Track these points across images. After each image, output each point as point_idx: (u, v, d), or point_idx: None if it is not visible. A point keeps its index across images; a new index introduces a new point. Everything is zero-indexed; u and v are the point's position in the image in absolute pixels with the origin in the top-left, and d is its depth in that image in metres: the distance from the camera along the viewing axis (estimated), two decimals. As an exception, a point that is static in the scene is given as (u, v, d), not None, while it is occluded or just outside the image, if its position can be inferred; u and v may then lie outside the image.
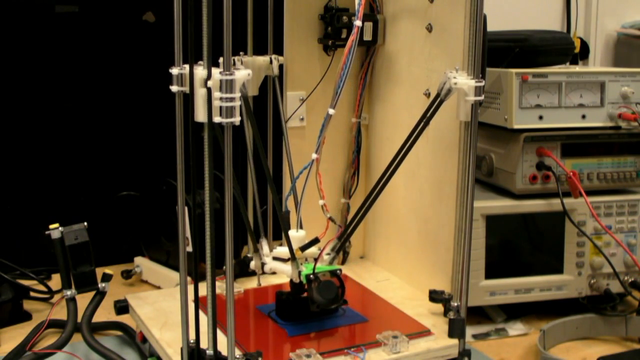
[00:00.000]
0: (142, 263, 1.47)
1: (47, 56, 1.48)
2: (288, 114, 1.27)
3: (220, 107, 0.83)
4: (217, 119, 0.84)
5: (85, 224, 1.14)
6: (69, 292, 1.11)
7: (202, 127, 0.86)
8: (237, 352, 0.91)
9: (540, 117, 1.26)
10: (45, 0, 1.46)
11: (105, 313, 1.25)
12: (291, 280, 1.07)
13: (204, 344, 0.91)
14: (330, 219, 1.08)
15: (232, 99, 0.83)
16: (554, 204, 1.26)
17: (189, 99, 0.87)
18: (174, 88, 0.89)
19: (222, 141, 0.85)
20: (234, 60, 1.11)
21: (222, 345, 0.90)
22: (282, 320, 1.09)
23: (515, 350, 1.20)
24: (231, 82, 0.83)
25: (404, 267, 1.28)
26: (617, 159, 1.31)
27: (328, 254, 1.08)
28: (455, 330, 1.05)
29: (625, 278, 1.29)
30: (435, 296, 1.12)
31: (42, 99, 1.49)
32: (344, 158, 1.35)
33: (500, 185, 1.32)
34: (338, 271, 1.06)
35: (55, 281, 1.41)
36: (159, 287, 1.42)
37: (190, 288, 0.92)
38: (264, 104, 1.23)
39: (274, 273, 1.12)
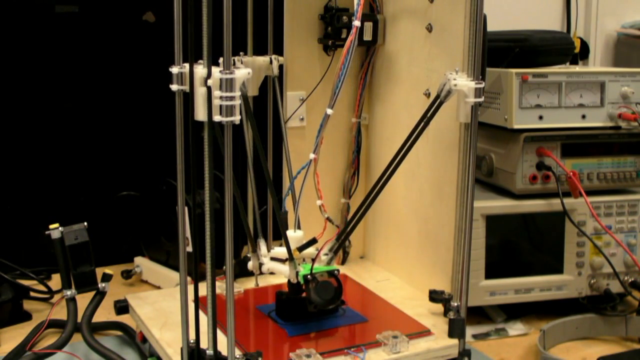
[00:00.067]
0: (142, 263, 1.47)
1: (47, 56, 1.48)
2: (288, 114, 1.27)
3: (220, 106, 0.83)
4: (217, 117, 0.84)
5: (85, 224, 1.14)
6: (69, 292, 1.11)
7: (202, 126, 0.86)
8: (237, 352, 0.91)
9: (540, 117, 1.26)
10: (45, 0, 1.46)
11: (105, 313, 1.25)
12: (289, 281, 1.07)
13: (204, 344, 0.91)
14: (328, 219, 1.08)
15: (232, 98, 0.83)
16: (554, 204, 1.26)
17: (189, 97, 0.87)
18: (174, 87, 0.89)
19: (221, 141, 0.85)
20: (234, 60, 1.11)
21: (222, 345, 0.90)
22: (282, 320, 1.09)
23: (515, 350, 1.20)
24: (231, 81, 0.83)
25: (404, 267, 1.28)
26: (617, 159, 1.31)
27: (326, 254, 1.08)
28: (455, 330, 1.05)
29: (625, 278, 1.29)
30: (435, 296, 1.12)
31: (42, 99, 1.49)
32: (344, 158, 1.35)
33: (500, 185, 1.32)
34: (336, 271, 1.06)
35: (55, 281, 1.41)
36: (159, 287, 1.42)
37: (190, 288, 0.92)
38: (264, 104, 1.23)
39: (272, 273, 1.12)
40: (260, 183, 1.21)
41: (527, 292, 1.27)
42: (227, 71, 0.83)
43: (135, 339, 1.17)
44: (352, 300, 1.19)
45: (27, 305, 1.33)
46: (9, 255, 1.43)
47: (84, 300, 1.13)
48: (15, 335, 1.22)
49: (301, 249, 1.06)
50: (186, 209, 0.99)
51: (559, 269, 1.28)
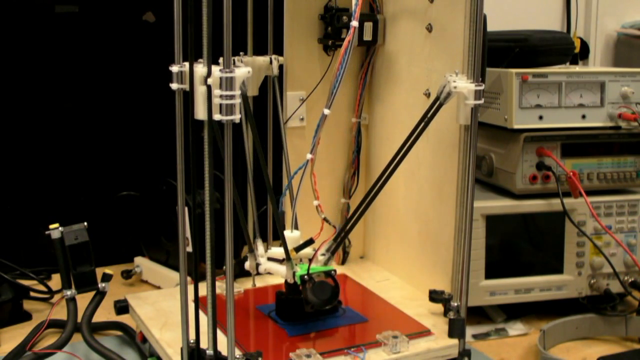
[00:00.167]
0: (142, 263, 1.47)
1: (47, 56, 1.48)
2: (288, 114, 1.27)
3: (220, 105, 0.83)
4: (217, 116, 0.84)
5: (85, 224, 1.14)
6: (69, 292, 1.11)
7: (202, 126, 0.86)
8: (237, 352, 0.91)
9: (540, 117, 1.26)
10: (45, 0, 1.46)
11: (105, 313, 1.25)
12: (286, 281, 1.07)
13: (204, 344, 0.91)
14: (325, 219, 1.08)
15: (232, 97, 0.83)
16: (554, 204, 1.26)
17: (188, 96, 0.87)
18: (174, 85, 0.89)
19: (220, 140, 0.85)
20: (234, 60, 1.11)
21: (222, 345, 0.90)
22: (282, 320, 1.09)
23: (515, 350, 1.20)
24: (231, 80, 0.83)
25: (404, 267, 1.28)
26: (617, 159, 1.31)
27: (323, 254, 1.08)
28: (455, 330, 1.05)
29: (625, 278, 1.29)
30: (435, 296, 1.12)
31: (42, 99, 1.49)
32: (344, 158, 1.35)
33: (500, 185, 1.32)
34: (332, 272, 1.06)
35: (55, 281, 1.41)
36: (159, 287, 1.42)
37: (190, 288, 0.92)
38: (264, 104, 1.23)
39: (269, 273, 1.12)
40: (259, 183, 1.21)
41: (527, 292, 1.27)
42: (227, 70, 0.83)
43: (135, 339, 1.17)
44: (352, 300, 1.19)
45: (27, 305, 1.33)
46: (9, 255, 1.43)
47: (84, 300, 1.13)
48: (15, 335, 1.22)
49: (298, 249, 1.06)
50: (186, 209, 0.99)
51: (559, 269, 1.28)
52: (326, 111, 1.03)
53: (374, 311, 1.15)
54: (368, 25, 1.26)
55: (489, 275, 1.25)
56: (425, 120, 1.06)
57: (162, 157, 1.24)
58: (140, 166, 1.56)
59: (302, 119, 1.29)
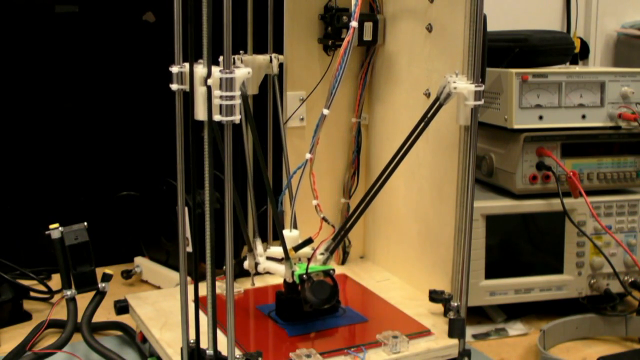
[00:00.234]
0: (142, 263, 1.47)
1: (47, 56, 1.48)
2: (288, 114, 1.27)
3: (220, 106, 0.83)
4: (217, 117, 0.84)
5: (85, 224, 1.14)
6: (69, 292, 1.11)
7: (202, 126, 0.86)
8: (237, 352, 0.91)
9: (540, 117, 1.26)
10: (45, 0, 1.46)
11: (105, 313, 1.25)
12: (285, 280, 1.07)
13: (204, 344, 0.91)
14: (324, 219, 1.08)
15: (232, 97, 0.83)
16: (554, 204, 1.26)
17: (188, 97, 0.87)
18: (174, 86, 0.89)
19: (221, 145, 0.85)
20: (233, 59, 1.11)
21: (222, 345, 0.90)
22: (282, 320, 1.09)
23: (515, 350, 1.20)
24: (231, 80, 0.83)
25: (404, 267, 1.28)
26: (617, 159, 1.31)
27: (322, 253, 1.08)
28: (455, 330, 1.05)
29: (625, 278, 1.29)
30: (435, 296, 1.12)
31: (42, 99, 1.49)
32: (344, 158, 1.35)
33: (500, 185, 1.32)
34: (331, 271, 1.06)
35: (55, 281, 1.41)
36: (159, 287, 1.42)
37: (190, 288, 0.92)
38: (264, 104, 1.23)
39: (268, 273, 1.12)
40: (259, 183, 1.21)
41: (527, 292, 1.27)
42: (227, 70, 0.83)
43: (135, 339, 1.17)
44: (352, 300, 1.19)
45: (27, 305, 1.33)
46: (9, 255, 1.43)
47: (84, 300, 1.13)
48: (15, 335, 1.22)
49: (297, 248, 1.06)
50: (186, 209, 0.99)
51: (559, 269, 1.28)
52: (325, 111, 1.03)
53: (374, 311, 1.15)
54: (368, 25, 1.26)
55: (489, 275, 1.25)
56: (425, 120, 1.06)
57: (162, 157, 1.24)
58: (140, 166, 1.56)
59: (302, 119, 1.29)
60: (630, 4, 2.35)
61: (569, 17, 2.28)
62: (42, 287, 1.39)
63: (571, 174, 1.25)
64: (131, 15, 1.53)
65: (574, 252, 1.28)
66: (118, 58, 1.53)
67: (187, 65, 0.87)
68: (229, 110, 0.83)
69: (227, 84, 0.83)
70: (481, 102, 1.00)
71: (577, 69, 1.44)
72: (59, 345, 1.06)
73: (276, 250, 1.08)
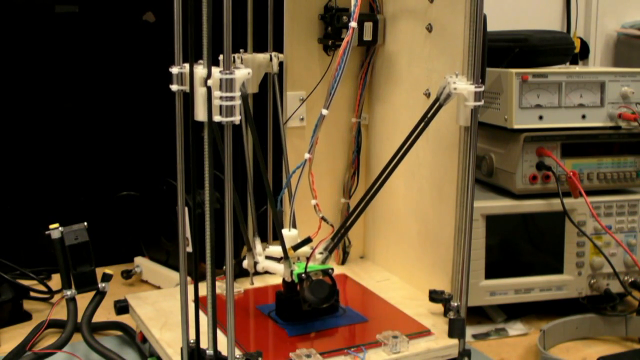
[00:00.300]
0: (142, 263, 1.47)
1: (47, 56, 1.48)
2: (288, 114, 1.27)
3: (220, 106, 0.83)
4: (217, 118, 0.84)
5: (85, 224, 1.14)
6: (69, 292, 1.11)
7: (202, 126, 0.86)
8: (237, 352, 0.91)
9: (540, 117, 1.26)
10: (45, 0, 1.46)
11: (105, 313, 1.25)
12: (284, 280, 1.08)
13: (204, 344, 0.91)
14: (323, 218, 1.08)
15: (232, 98, 0.83)
16: (554, 204, 1.26)
17: (188, 98, 0.87)
18: (174, 87, 0.89)
19: (220, 141, 0.85)
20: (233, 57, 1.11)
21: (222, 345, 0.90)
22: (282, 320, 1.09)
23: (515, 350, 1.20)
24: (231, 81, 0.83)
25: (404, 267, 1.28)
26: (617, 159, 1.31)
27: (321, 253, 1.08)
28: (455, 330, 1.05)
29: (625, 278, 1.29)
30: (435, 296, 1.12)
31: (42, 99, 1.49)
32: (344, 158, 1.35)
33: (500, 185, 1.32)
34: (330, 270, 1.06)
35: (55, 281, 1.41)
36: (159, 287, 1.42)
37: (190, 288, 0.92)
38: (264, 103, 1.23)
39: (267, 272, 1.12)
40: (259, 182, 1.21)
41: (527, 292, 1.27)
42: (227, 71, 0.83)
43: (135, 339, 1.17)
44: (352, 300, 1.19)
45: (27, 305, 1.33)
46: (9, 255, 1.43)
47: (84, 300, 1.13)
48: (15, 335, 1.22)
49: (296, 247, 1.06)
50: (186, 209, 0.99)
51: (559, 269, 1.28)
52: (324, 111, 1.03)
53: (374, 311, 1.15)
54: (368, 25, 1.26)
55: (489, 275, 1.25)
56: (425, 120, 1.06)
57: (162, 157, 1.24)
58: (140, 166, 1.56)
59: (302, 119, 1.29)
60: (630, 4, 2.35)
61: (569, 17, 2.28)
62: (42, 287, 1.39)
63: (571, 174, 1.25)
64: (131, 15, 1.53)
65: (574, 252, 1.28)
66: (118, 58, 1.53)
67: (187, 66, 0.87)
68: (229, 110, 0.83)
69: (227, 84, 0.83)
70: (481, 103, 1.00)
71: (577, 69, 1.44)
72: (59, 345, 1.06)
73: (275, 250, 1.09)
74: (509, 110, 1.24)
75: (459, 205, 1.06)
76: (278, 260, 1.08)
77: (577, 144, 1.29)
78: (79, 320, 1.11)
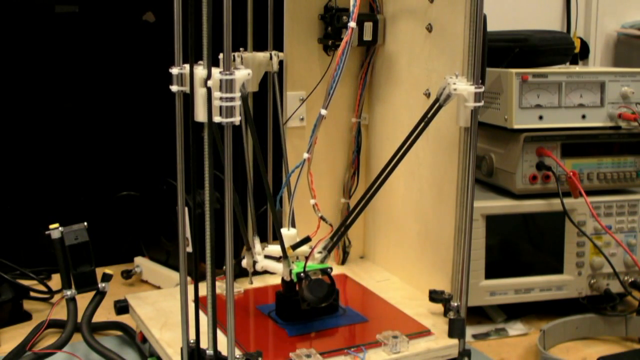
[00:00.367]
0: (142, 263, 1.47)
1: (47, 56, 1.48)
2: (288, 114, 1.27)
3: (220, 107, 0.83)
4: (217, 118, 0.84)
5: (85, 224, 1.14)
6: (69, 292, 1.11)
7: (202, 126, 0.86)
8: (237, 352, 0.91)
9: (540, 117, 1.26)
10: (45, 0, 1.46)
11: (105, 313, 1.25)
12: (283, 279, 1.08)
13: (204, 344, 0.91)
14: (322, 218, 1.08)
15: (232, 99, 0.83)
16: (554, 204, 1.26)
17: (189, 98, 0.87)
18: (174, 88, 0.89)
19: (219, 141, 0.85)
20: (233, 56, 1.11)
21: (222, 345, 0.90)
22: (282, 320, 1.09)
23: (515, 350, 1.20)
24: (231, 82, 0.83)
25: (404, 267, 1.28)
26: (617, 159, 1.31)
27: (319, 252, 1.08)
28: (455, 330, 1.05)
29: (625, 278, 1.29)
30: (435, 296, 1.12)
31: (42, 99, 1.49)
32: (344, 158, 1.35)
33: (500, 185, 1.32)
34: (329, 269, 1.06)
35: (55, 281, 1.41)
36: (159, 287, 1.42)
37: (190, 288, 0.92)
38: (264, 103, 1.23)
39: (266, 272, 1.12)
40: (259, 182, 1.21)
41: (527, 292, 1.27)
42: (227, 72, 0.83)
43: (135, 339, 1.17)
44: (352, 300, 1.19)
45: (27, 305, 1.33)
46: (9, 255, 1.43)
47: (84, 300, 1.13)
48: (15, 335, 1.22)
49: (295, 247, 1.06)
50: (186, 209, 0.99)
51: (559, 269, 1.29)
52: (323, 112, 1.03)
53: (374, 311, 1.15)
54: (368, 25, 1.26)
55: (489, 275, 1.25)
56: (425, 121, 1.06)
57: (162, 157, 1.24)
58: (140, 166, 1.56)
59: (302, 119, 1.29)
60: (630, 4, 2.35)
61: (569, 17, 2.28)
62: (42, 287, 1.39)
63: (571, 174, 1.25)
64: (131, 15, 1.53)
65: (574, 252, 1.28)
66: (118, 58, 1.53)
67: (187, 66, 0.87)
68: (229, 111, 0.83)
69: (227, 85, 0.83)
70: (481, 104, 1.00)
71: (577, 69, 1.44)
72: (59, 345, 1.06)
73: (274, 249, 1.09)
74: (509, 110, 1.24)
75: (459, 205, 1.06)
76: (277, 259, 1.08)
77: (577, 144, 1.29)
78: (79, 320, 1.11)
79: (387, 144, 1.30)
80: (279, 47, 1.24)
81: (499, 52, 1.33)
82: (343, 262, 1.37)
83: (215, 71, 0.84)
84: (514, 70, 1.24)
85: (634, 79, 1.29)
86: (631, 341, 1.24)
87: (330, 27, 1.26)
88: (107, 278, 1.15)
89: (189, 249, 1.11)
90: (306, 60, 1.28)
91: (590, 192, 1.26)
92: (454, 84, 1.01)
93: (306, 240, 1.05)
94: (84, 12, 1.49)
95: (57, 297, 1.38)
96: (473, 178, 1.03)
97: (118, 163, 1.56)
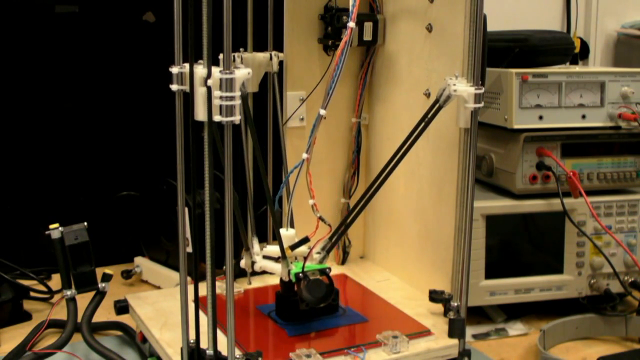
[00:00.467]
0: (142, 263, 1.47)
1: (47, 56, 1.48)
2: (288, 114, 1.27)
3: (220, 106, 0.83)
4: (217, 117, 0.84)
5: (85, 224, 1.14)
6: (69, 292, 1.11)
7: (202, 126, 0.86)
8: (237, 352, 0.91)
9: (540, 117, 1.26)
10: (45, 0, 1.46)
11: (105, 313, 1.25)
12: (281, 279, 1.08)
13: (204, 344, 0.91)
14: (320, 218, 1.08)
15: (232, 98, 0.83)
16: (554, 204, 1.26)
17: (188, 98, 0.87)
18: (174, 87, 0.89)
19: (219, 141, 0.85)
20: (233, 56, 1.11)
21: (222, 345, 0.90)
22: (282, 320, 1.09)
23: (515, 350, 1.20)
24: (231, 81, 0.83)
25: (404, 267, 1.28)
26: (617, 159, 1.31)
27: (318, 252, 1.08)
28: (455, 330, 1.05)
29: (625, 278, 1.29)
30: (435, 296, 1.12)
31: (42, 99, 1.49)
32: (344, 158, 1.35)
33: (500, 185, 1.32)
34: (327, 270, 1.06)
35: (55, 281, 1.41)
36: (159, 287, 1.42)
37: (190, 288, 0.92)
38: (264, 102, 1.23)
39: (265, 272, 1.12)
40: (259, 182, 1.21)
41: (527, 292, 1.27)
42: (227, 71, 0.83)
43: (135, 339, 1.17)
44: (352, 300, 1.19)
45: (27, 305, 1.33)
46: (9, 255, 1.43)
47: (84, 300, 1.13)
48: (15, 335, 1.22)
49: (293, 247, 1.06)
50: (186, 209, 0.99)
51: (559, 269, 1.28)
52: (322, 112, 1.03)
53: (374, 311, 1.15)
54: (368, 25, 1.26)
55: (489, 275, 1.25)
56: (425, 121, 1.06)
57: (162, 157, 1.24)
58: (140, 166, 1.56)
59: (302, 119, 1.29)
60: (630, 4, 2.35)
61: (569, 17, 2.28)
62: (42, 287, 1.39)
63: (571, 174, 1.25)
64: (131, 15, 1.53)
65: (574, 252, 1.28)
66: (118, 58, 1.53)
67: (187, 65, 0.87)
68: (229, 110, 0.83)
69: (227, 84, 0.83)
70: (481, 105, 1.00)
71: (577, 69, 1.44)
72: (59, 345, 1.06)
73: (273, 249, 1.09)
74: (509, 110, 1.24)
75: (459, 205, 1.06)
76: (276, 260, 1.08)
77: (577, 144, 1.29)
78: (79, 320, 1.11)
79: (387, 144, 1.30)
80: (279, 47, 1.24)
81: (499, 52, 1.33)
82: (343, 262, 1.37)
83: (215, 70, 0.84)
84: (514, 70, 1.24)
85: (634, 79, 1.29)
86: (631, 341, 1.24)
87: (330, 27, 1.26)
88: (107, 278, 1.15)
89: (189, 249, 1.11)
90: (306, 60, 1.28)
91: (590, 192, 1.26)
92: (454, 85, 1.01)
93: (305, 240, 1.05)
94: (84, 12, 1.49)
95: (57, 297, 1.38)
96: (473, 178, 1.03)
97: (118, 163, 1.56)
